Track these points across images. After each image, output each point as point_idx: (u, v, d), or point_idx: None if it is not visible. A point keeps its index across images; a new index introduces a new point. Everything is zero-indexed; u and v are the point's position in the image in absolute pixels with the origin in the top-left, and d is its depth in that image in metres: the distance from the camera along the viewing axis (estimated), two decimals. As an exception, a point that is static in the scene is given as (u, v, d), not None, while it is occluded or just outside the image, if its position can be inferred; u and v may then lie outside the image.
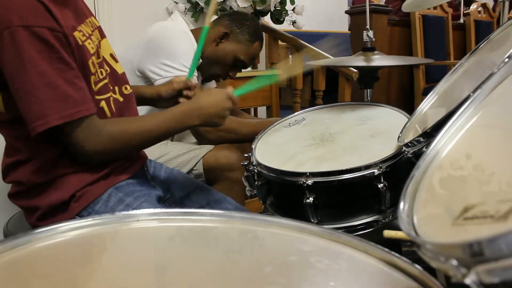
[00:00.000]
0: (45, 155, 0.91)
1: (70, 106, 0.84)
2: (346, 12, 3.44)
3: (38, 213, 0.93)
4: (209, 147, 1.45)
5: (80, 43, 0.89)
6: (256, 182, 1.02)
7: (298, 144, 1.07)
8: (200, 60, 1.51)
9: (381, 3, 3.88)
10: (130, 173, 1.01)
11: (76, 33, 0.89)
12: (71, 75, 0.85)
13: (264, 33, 2.18)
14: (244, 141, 1.51)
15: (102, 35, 1.03)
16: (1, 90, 0.87)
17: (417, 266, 0.43)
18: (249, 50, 1.58)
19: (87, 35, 0.93)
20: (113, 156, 0.95)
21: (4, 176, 0.97)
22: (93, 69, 0.93)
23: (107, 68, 1.00)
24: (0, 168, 0.99)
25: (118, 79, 1.03)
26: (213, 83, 1.74)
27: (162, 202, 1.09)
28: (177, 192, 1.16)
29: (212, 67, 1.57)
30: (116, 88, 1.02)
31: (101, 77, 0.96)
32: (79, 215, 0.93)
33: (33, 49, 0.80)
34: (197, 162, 1.42)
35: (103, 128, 0.90)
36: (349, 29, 4.17)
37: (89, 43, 0.93)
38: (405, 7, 1.51)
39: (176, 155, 1.44)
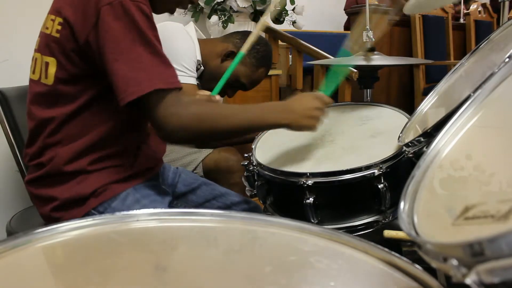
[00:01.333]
0: (84, 143, 0.92)
1: (170, 76, 0.87)
2: (346, 12, 3.45)
3: (54, 203, 0.94)
4: (208, 150, 1.45)
5: None
6: (256, 182, 1.02)
7: (298, 144, 1.07)
8: (202, 68, 1.50)
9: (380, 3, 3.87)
10: (150, 175, 1.03)
11: None
12: (162, 50, 0.89)
13: (264, 33, 2.17)
14: (243, 143, 1.50)
15: None
16: (66, 61, 0.89)
17: (417, 266, 0.43)
18: (253, 75, 1.53)
19: None
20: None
21: (34, 157, 0.97)
22: None
23: None
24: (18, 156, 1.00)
25: None
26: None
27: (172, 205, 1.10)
28: (183, 188, 1.18)
29: (211, 82, 1.53)
30: None
31: None
32: (95, 209, 0.94)
33: (140, 19, 0.84)
34: (197, 165, 1.42)
35: (190, 105, 0.89)
36: (345, 29, 4.17)
37: None
38: (406, 10, 1.51)
39: (176, 158, 1.44)
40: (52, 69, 0.91)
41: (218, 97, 1.31)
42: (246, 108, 0.95)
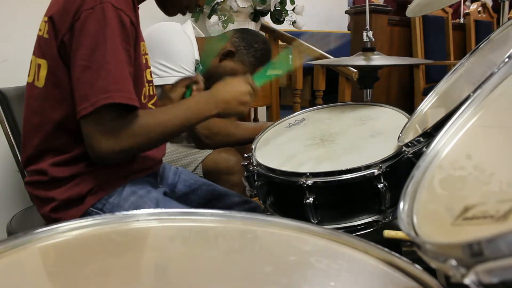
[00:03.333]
0: (78, 148, 0.91)
1: (130, 91, 0.85)
2: (346, 12, 3.44)
3: (53, 204, 0.94)
4: (208, 151, 1.45)
5: (143, 52, 0.94)
6: (256, 182, 1.01)
7: (298, 144, 1.07)
8: (201, 67, 1.50)
9: (380, 3, 3.87)
10: (147, 173, 1.03)
11: (142, 43, 0.94)
12: (131, 70, 0.87)
13: (264, 33, 2.18)
14: (243, 144, 1.50)
15: (147, 65, 1.05)
16: (60, 64, 0.88)
17: (417, 266, 0.43)
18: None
19: (143, 52, 0.98)
20: (128, 154, 0.92)
21: (28, 163, 0.97)
22: (145, 82, 0.97)
23: (147, 93, 1.03)
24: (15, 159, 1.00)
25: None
26: None
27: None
28: (183, 189, 1.18)
29: (210, 80, 1.53)
30: None
31: (146, 94, 0.99)
32: (94, 206, 0.94)
33: (117, 29, 0.84)
34: (197, 166, 1.42)
35: (126, 125, 0.87)
36: (348, 29, 4.17)
37: (143, 59, 0.97)
38: (409, 12, 1.51)
39: (176, 159, 1.44)
40: (44, 71, 0.91)
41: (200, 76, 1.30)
42: (172, 109, 0.96)
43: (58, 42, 0.86)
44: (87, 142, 0.86)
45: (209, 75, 1.50)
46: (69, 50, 0.85)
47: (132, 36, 0.88)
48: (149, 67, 1.06)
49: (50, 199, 0.94)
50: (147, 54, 1.05)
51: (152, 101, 1.07)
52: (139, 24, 0.95)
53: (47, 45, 0.89)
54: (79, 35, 0.83)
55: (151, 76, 1.07)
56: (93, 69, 0.82)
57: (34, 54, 0.95)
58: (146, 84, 1.01)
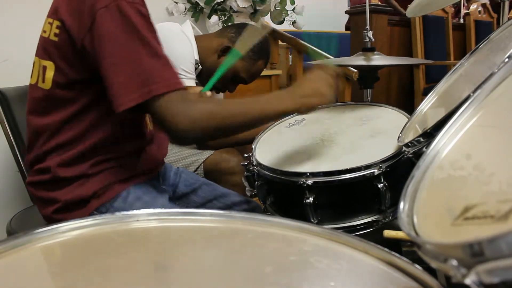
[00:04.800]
0: (83, 143, 0.91)
1: (171, 77, 0.84)
2: (346, 12, 3.45)
3: (56, 206, 0.93)
4: (209, 151, 1.45)
5: None
6: (256, 182, 1.02)
7: (298, 144, 1.07)
8: (200, 67, 1.50)
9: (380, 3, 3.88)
10: (150, 176, 1.03)
11: None
12: (163, 51, 0.86)
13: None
14: (244, 145, 1.50)
15: None
16: (64, 63, 0.88)
17: (417, 266, 0.43)
18: (251, 68, 1.51)
19: None
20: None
21: (34, 163, 0.96)
22: None
23: None
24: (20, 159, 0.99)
25: None
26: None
27: (172, 201, 1.10)
28: (184, 189, 1.18)
29: (209, 78, 1.54)
30: None
31: None
32: (98, 210, 0.94)
33: (138, 21, 0.82)
34: (198, 167, 1.42)
35: (197, 103, 0.85)
36: (346, 29, 4.17)
37: None
38: (409, 12, 1.51)
39: (177, 159, 1.44)
40: (50, 73, 0.90)
41: (209, 93, 1.29)
42: (253, 100, 0.93)
43: (76, 46, 0.85)
44: (165, 128, 0.84)
45: (209, 73, 1.50)
46: (92, 52, 0.83)
47: (153, 26, 0.87)
48: None
49: (53, 200, 0.93)
50: None
51: None
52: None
53: (59, 48, 0.88)
54: (101, 37, 0.81)
55: None
56: (129, 65, 0.81)
57: (37, 55, 0.94)
58: None
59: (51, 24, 0.90)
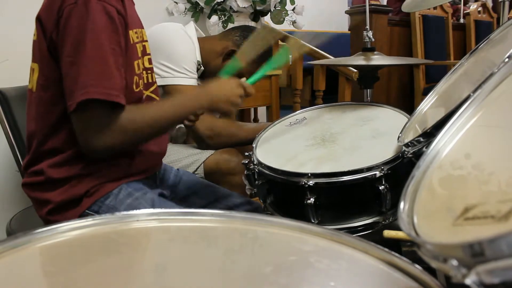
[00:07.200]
0: (74, 146, 0.91)
1: (110, 87, 0.84)
2: (346, 12, 3.44)
3: (49, 207, 0.94)
4: (210, 151, 1.44)
5: (132, 42, 0.92)
6: (257, 182, 1.01)
7: (299, 144, 1.06)
8: (203, 68, 1.50)
9: (381, 3, 3.87)
10: (145, 175, 1.03)
11: (131, 32, 0.92)
12: (121, 61, 0.87)
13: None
14: (244, 145, 1.50)
15: (145, 52, 1.03)
16: (49, 64, 0.88)
17: (417, 266, 0.43)
18: (254, 71, 1.52)
19: (137, 40, 0.96)
20: (121, 149, 0.92)
21: (28, 166, 0.97)
22: (138, 70, 0.95)
23: (145, 81, 1.02)
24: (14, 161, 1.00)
25: (152, 99, 1.05)
26: None
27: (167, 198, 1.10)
28: (185, 191, 1.17)
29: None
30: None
31: (140, 84, 0.98)
32: (90, 209, 0.94)
33: (100, 22, 0.82)
34: (198, 167, 1.42)
35: (114, 121, 0.87)
36: (349, 29, 4.16)
37: (139, 47, 0.96)
38: (404, 7, 1.51)
39: (177, 159, 1.43)
40: (35, 75, 0.91)
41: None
42: (166, 104, 0.97)
43: (47, 41, 0.86)
44: (78, 139, 0.87)
45: (213, 76, 1.49)
46: (58, 47, 0.84)
47: (122, 25, 0.87)
48: (148, 54, 1.04)
49: (46, 201, 0.94)
50: (146, 41, 1.03)
51: (152, 89, 1.05)
52: (133, 11, 0.94)
53: (38, 47, 0.89)
54: (64, 31, 0.83)
55: (150, 63, 1.05)
56: (77, 65, 0.82)
57: (31, 59, 0.95)
58: (144, 72, 0.99)
59: (36, 24, 0.91)
